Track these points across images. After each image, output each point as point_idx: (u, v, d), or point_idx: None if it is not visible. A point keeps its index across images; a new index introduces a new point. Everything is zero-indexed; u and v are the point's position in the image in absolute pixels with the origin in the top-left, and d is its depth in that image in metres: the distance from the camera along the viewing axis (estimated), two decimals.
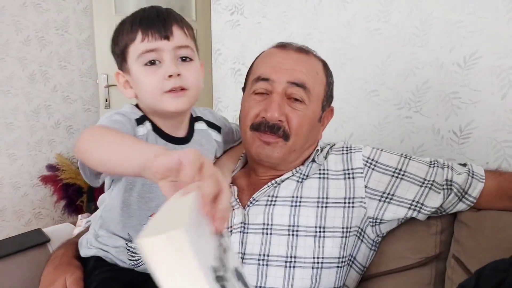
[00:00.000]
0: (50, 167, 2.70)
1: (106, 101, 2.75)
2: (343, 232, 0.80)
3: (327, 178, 0.84)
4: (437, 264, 0.80)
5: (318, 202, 0.82)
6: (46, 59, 2.72)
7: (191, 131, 0.85)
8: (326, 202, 0.82)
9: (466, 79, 1.15)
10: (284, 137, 0.82)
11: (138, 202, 0.80)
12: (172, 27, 0.74)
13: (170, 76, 0.72)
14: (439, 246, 0.81)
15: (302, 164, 0.89)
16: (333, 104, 1.43)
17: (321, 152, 0.91)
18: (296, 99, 0.82)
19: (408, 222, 0.85)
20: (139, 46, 0.73)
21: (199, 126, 0.88)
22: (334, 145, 0.93)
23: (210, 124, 0.90)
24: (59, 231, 1.21)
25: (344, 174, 0.84)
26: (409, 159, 0.85)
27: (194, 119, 0.88)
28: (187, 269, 0.32)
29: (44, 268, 0.92)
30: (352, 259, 0.83)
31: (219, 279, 0.36)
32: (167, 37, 0.73)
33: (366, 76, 1.37)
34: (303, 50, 0.87)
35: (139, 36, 0.73)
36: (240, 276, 0.42)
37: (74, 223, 2.64)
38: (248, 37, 1.71)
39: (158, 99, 0.74)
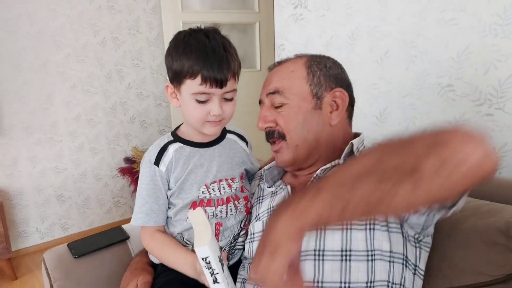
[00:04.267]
0: (127, 160, 2.90)
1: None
2: (387, 226, 0.78)
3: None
4: None
5: None
6: (121, 58, 2.90)
7: (221, 138, 1.01)
8: None
9: None
10: (281, 137, 0.92)
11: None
12: (228, 79, 0.85)
13: (214, 115, 0.87)
14: None
15: (339, 156, 0.88)
16: (403, 100, 1.38)
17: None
18: (278, 105, 0.91)
19: (486, 231, 0.78)
20: (196, 86, 0.85)
21: (230, 136, 1.03)
22: None
23: (240, 136, 1.06)
24: (137, 229, 1.29)
25: None
26: None
27: (227, 131, 1.04)
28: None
29: (125, 267, 1.04)
30: (405, 258, 0.79)
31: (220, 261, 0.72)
32: (221, 86, 0.85)
33: (440, 70, 1.27)
34: (279, 62, 0.97)
35: (199, 79, 0.84)
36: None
37: None
38: (312, 31, 1.67)
39: (200, 125, 0.91)
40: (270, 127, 0.93)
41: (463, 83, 1.22)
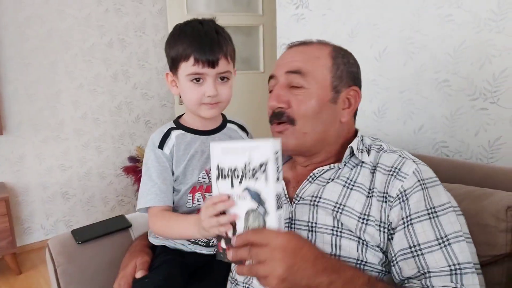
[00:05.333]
0: (131, 159, 2.94)
1: (180, 97, 2.91)
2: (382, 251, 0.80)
3: (372, 196, 0.81)
4: (509, 263, 0.76)
5: (359, 218, 0.80)
6: (127, 59, 2.95)
7: (221, 127, 1.03)
8: (367, 220, 0.79)
9: None
10: (290, 122, 0.87)
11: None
12: (219, 59, 0.89)
13: (209, 95, 0.91)
14: (510, 244, 0.77)
15: (339, 160, 0.88)
16: (401, 96, 1.41)
17: (368, 153, 0.87)
18: (296, 86, 0.87)
19: (477, 214, 0.81)
20: (190, 67, 0.90)
21: (230, 125, 1.06)
22: (382, 147, 0.88)
23: (240, 127, 1.09)
24: (139, 218, 1.32)
25: (380, 197, 0.80)
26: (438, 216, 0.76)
27: (227, 121, 1.06)
28: None
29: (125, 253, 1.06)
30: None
31: None
32: (213, 66, 0.89)
33: (436, 65, 1.30)
34: (304, 43, 0.92)
35: (192, 60, 0.89)
36: None
37: None
38: (313, 30, 1.71)
39: (196, 108, 0.94)
40: (281, 107, 0.88)
41: (459, 78, 1.25)
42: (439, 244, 0.72)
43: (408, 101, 1.41)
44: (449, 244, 0.72)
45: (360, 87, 0.92)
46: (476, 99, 1.22)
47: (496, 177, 0.94)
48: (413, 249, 0.74)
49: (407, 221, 0.76)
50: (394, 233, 0.77)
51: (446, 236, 0.73)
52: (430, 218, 0.74)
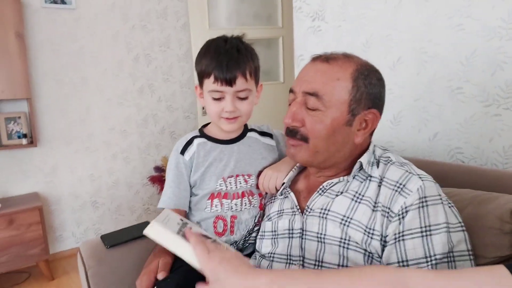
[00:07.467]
0: (157, 169, 3.05)
1: (203, 108, 3.01)
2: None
3: (376, 211, 0.83)
4: None
5: (365, 231, 0.82)
6: (152, 74, 3.08)
7: (242, 136, 1.10)
8: (372, 234, 0.82)
9: None
10: (303, 140, 0.91)
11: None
12: (237, 78, 0.95)
13: (227, 111, 0.98)
14: None
15: (349, 173, 0.91)
16: (415, 104, 1.43)
17: (377, 166, 0.89)
18: (312, 108, 0.89)
19: (482, 217, 0.83)
20: (211, 85, 0.97)
21: (251, 134, 1.13)
22: (391, 159, 0.90)
23: (262, 133, 1.14)
24: None
25: (383, 211, 0.83)
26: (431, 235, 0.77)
27: (248, 130, 1.13)
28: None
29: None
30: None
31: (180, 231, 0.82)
32: (231, 84, 0.95)
33: (449, 73, 1.33)
34: (328, 59, 0.90)
35: (212, 78, 0.96)
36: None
37: None
38: (329, 41, 1.76)
39: (217, 120, 1.02)
40: (296, 126, 0.91)
41: (472, 85, 1.27)
42: (427, 262, 0.74)
43: (422, 109, 1.43)
44: (436, 264, 0.74)
45: (381, 108, 0.92)
46: (489, 105, 1.24)
47: (508, 181, 0.96)
48: (401, 264, 0.76)
49: (399, 237, 0.78)
50: (385, 247, 0.80)
51: (435, 255, 0.74)
52: (422, 236, 0.76)
